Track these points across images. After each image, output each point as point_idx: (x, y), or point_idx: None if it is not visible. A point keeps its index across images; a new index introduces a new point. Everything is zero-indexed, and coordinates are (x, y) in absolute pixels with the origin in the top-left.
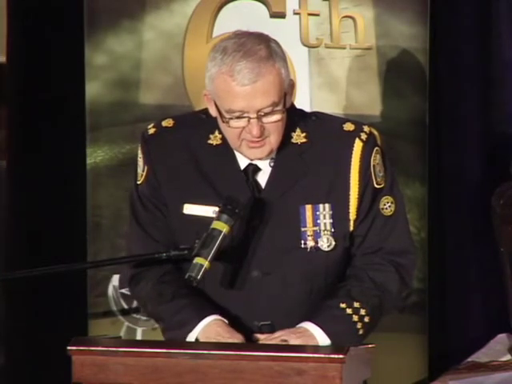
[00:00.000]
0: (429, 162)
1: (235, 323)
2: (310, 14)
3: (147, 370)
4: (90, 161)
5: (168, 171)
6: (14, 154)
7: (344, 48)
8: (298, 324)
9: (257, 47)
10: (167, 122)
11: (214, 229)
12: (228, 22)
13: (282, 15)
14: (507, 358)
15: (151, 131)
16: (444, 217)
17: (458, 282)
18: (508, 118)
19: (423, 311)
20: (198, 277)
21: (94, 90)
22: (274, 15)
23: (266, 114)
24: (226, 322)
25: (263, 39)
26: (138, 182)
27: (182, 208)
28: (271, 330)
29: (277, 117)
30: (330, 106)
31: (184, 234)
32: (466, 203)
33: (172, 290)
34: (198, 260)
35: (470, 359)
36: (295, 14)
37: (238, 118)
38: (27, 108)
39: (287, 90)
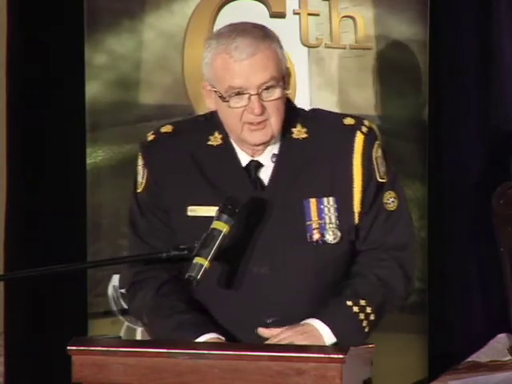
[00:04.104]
0: (429, 161)
1: (244, 321)
2: (309, 14)
3: (147, 370)
4: (90, 161)
5: (169, 176)
6: (14, 154)
7: (344, 48)
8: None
9: (252, 28)
10: (166, 128)
11: (213, 229)
12: (228, 22)
13: (281, 15)
14: (507, 358)
15: (150, 138)
16: (444, 217)
17: (458, 282)
18: (508, 118)
19: (423, 311)
20: (198, 277)
21: (94, 89)
22: (273, 15)
23: (267, 89)
24: (223, 339)
25: (258, 25)
26: (138, 191)
27: (186, 211)
28: (280, 326)
29: (277, 93)
30: (330, 105)
31: (190, 235)
32: (466, 203)
33: (170, 304)
34: (198, 260)
35: (470, 359)
36: (295, 13)
37: (238, 94)
38: (27, 108)
39: (285, 74)
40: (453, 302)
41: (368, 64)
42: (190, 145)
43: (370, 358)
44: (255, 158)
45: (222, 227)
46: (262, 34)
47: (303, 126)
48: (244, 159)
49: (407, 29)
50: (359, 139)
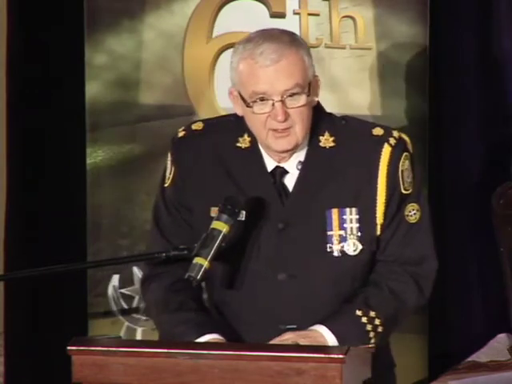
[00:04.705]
0: (429, 161)
1: (259, 326)
2: (309, 14)
3: (147, 370)
4: (90, 161)
5: (195, 174)
6: (14, 154)
7: (344, 48)
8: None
9: (280, 34)
10: (197, 126)
11: (213, 229)
12: (228, 22)
13: (281, 15)
14: (507, 357)
15: (181, 134)
16: (444, 217)
17: (458, 282)
18: (508, 118)
19: (423, 311)
20: (198, 277)
21: (94, 89)
22: (273, 15)
23: (292, 96)
24: (223, 340)
25: (287, 31)
26: (166, 185)
27: (210, 211)
28: None
29: (302, 101)
30: (330, 106)
31: None
32: (467, 203)
33: (179, 300)
34: (197, 260)
35: (470, 359)
36: (295, 13)
37: (262, 100)
38: (27, 108)
39: (312, 81)
40: (453, 302)
41: (368, 64)
42: (219, 145)
43: (369, 358)
44: (281, 165)
45: (222, 227)
46: (288, 40)
47: (331, 135)
48: (270, 164)
49: (407, 29)
50: (386, 151)
